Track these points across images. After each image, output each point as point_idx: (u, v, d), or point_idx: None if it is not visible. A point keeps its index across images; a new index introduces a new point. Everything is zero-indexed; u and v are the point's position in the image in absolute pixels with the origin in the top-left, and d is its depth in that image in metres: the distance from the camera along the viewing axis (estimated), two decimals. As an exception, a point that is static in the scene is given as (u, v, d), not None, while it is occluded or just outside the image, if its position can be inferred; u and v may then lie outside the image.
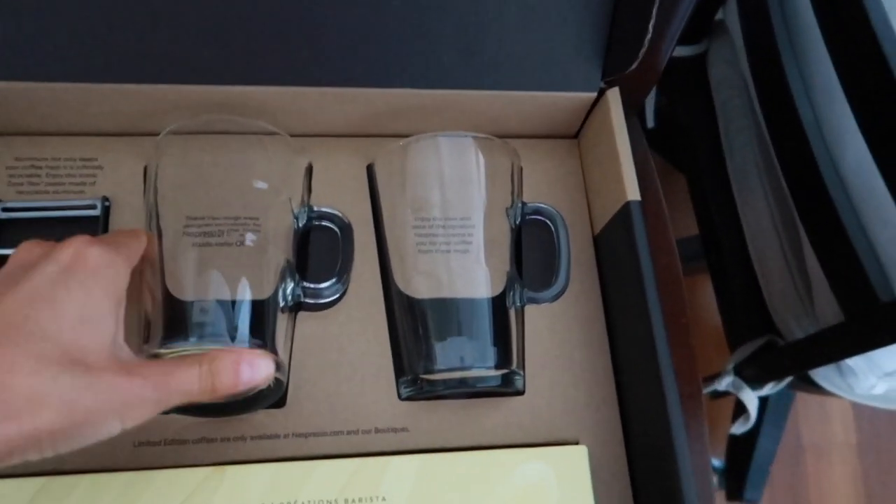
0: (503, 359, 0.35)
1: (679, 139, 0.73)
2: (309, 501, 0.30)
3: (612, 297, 0.38)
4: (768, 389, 0.62)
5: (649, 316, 0.32)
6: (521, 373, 0.36)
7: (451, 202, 0.37)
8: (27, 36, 0.33)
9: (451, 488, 0.32)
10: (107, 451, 0.32)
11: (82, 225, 0.36)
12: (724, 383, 0.64)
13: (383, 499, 0.31)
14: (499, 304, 0.36)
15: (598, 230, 0.39)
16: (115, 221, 0.37)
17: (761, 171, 0.60)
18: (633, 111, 0.39)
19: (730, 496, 0.88)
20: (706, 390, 0.66)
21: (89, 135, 0.38)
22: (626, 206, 0.35)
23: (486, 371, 0.35)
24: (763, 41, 0.53)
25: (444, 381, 0.35)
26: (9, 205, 0.36)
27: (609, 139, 0.37)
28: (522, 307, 0.37)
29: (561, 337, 0.37)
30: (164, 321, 0.32)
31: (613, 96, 0.37)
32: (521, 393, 0.36)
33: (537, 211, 0.39)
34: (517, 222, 0.38)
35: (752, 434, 0.84)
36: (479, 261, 0.36)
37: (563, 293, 0.38)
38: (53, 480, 0.30)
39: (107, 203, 0.37)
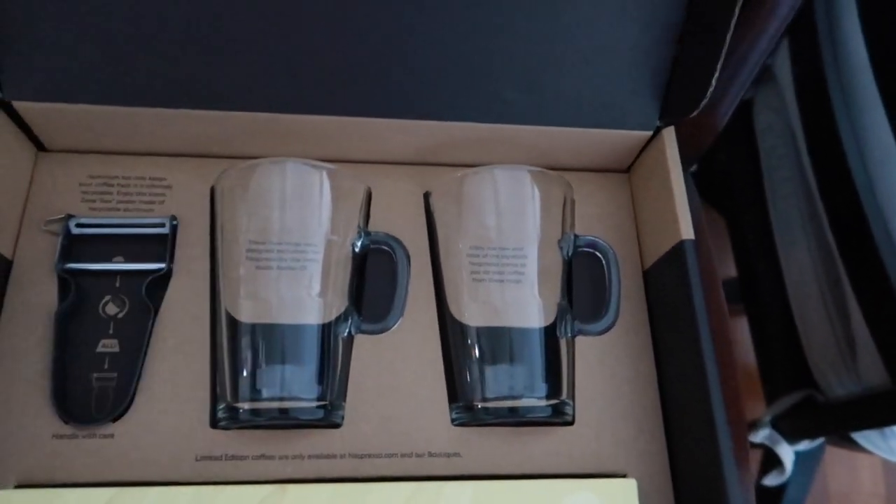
0: (553, 389, 0.36)
1: (721, 183, 0.73)
2: (367, 523, 0.31)
3: (662, 334, 0.38)
4: (805, 445, 0.62)
5: (702, 358, 0.33)
6: (571, 403, 0.36)
7: (505, 233, 0.38)
8: (106, 63, 0.35)
9: (504, 515, 0.32)
10: (170, 463, 0.33)
11: (151, 242, 0.37)
12: (761, 436, 0.63)
13: (438, 523, 0.32)
14: (550, 335, 0.37)
15: (648, 265, 0.40)
16: (182, 240, 0.38)
17: (805, 223, 0.60)
18: (688, 164, 0.40)
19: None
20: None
21: (159, 155, 0.40)
22: (681, 244, 0.36)
23: (536, 401, 0.35)
24: (815, 96, 0.53)
25: (495, 410, 0.35)
26: (82, 220, 0.37)
27: (663, 177, 0.38)
28: (573, 338, 0.38)
29: (610, 370, 0.38)
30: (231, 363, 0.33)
31: (669, 135, 0.38)
32: (570, 423, 0.36)
33: (590, 244, 0.40)
34: (569, 254, 0.39)
35: (782, 484, 0.83)
36: (531, 291, 0.37)
37: (612, 326, 0.39)
38: (123, 492, 0.31)
39: (174, 222, 0.38)
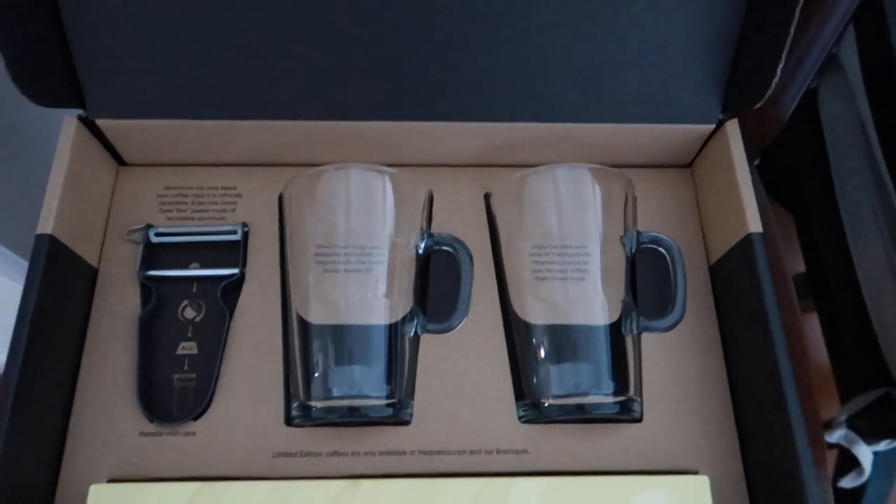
0: (620, 385, 0.36)
1: (786, 177, 0.71)
2: (438, 517, 0.32)
3: (730, 330, 0.38)
4: (884, 445, 0.59)
5: (775, 353, 0.32)
6: (639, 400, 0.36)
7: (567, 231, 0.38)
8: (178, 80, 0.36)
9: (574, 512, 0.32)
10: (248, 459, 0.35)
11: (225, 249, 0.39)
12: (836, 436, 0.61)
13: (509, 519, 0.32)
14: (615, 332, 0.36)
15: (713, 261, 0.40)
16: (254, 246, 0.39)
17: (878, 215, 0.58)
18: (752, 157, 0.39)
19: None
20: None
21: (230, 165, 0.41)
22: (748, 238, 0.35)
23: (603, 398, 0.35)
24: (885, 83, 0.51)
25: (562, 407, 0.35)
26: (160, 230, 0.39)
27: (728, 170, 0.37)
28: (639, 335, 0.38)
29: (677, 366, 0.37)
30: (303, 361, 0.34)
31: (732, 127, 0.38)
32: (638, 420, 0.36)
33: (654, 240, 0.39)
34: (632, 251, 0.39)
35: (860, 486, 0.80)
36: (595, 288, 0.37)
37: (679, 322, 0.38)
38: (207, 486, 0.32)
39: (246, 228, 0.40)
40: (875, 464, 0.79)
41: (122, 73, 0.36)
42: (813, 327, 0.68)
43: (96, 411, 0.35)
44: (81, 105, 0.37)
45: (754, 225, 0.35)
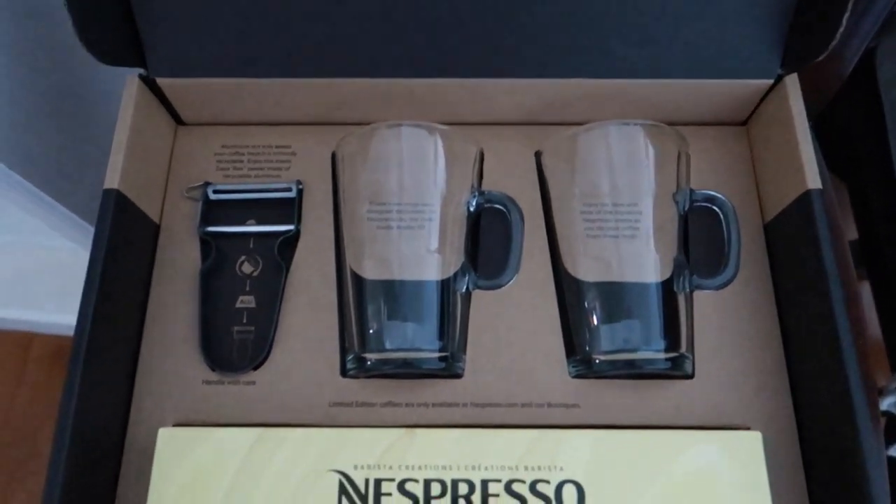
0: (672, 342, 0.36)
1: (840, 144, 0.69)
2: (491, 465, 0.33)
3: (785, 288, 0.37)
4: None
5: (833, 311, 0.32)
6: (691, 357, 0.36)
7: (619, 188, 0.38)
8: (235, 39, 0.37)
9: (625, 464, 0.33)
10: (306, 409, 0.36)
11: (280, 206, 0.40)
12: (887, 403, 0.60)
13: (561, 469, 0.33)
14: (667, 289, 0.36)
15: (768, 219, 0.39)
16: (308, 203, 0.40)
17: None
18: (810, 114, 0.38)
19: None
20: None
21: (284, 124, 0.42)
22: (807, 194, 0.35)
23: (654, 354, 0.35)
24: None
25: (613, 363, 0.36)
26: (218, 187, 0.40)
27: (786, 126, 0.36)
28: (691, 293, 0.38)
29: (730, 325, 0.37)
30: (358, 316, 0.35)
31: (792, 82, 0.37)
32: (689, 377, 0.36)
33: (707, 198, 0.39)
34: (685, 209, 0.38)
35: None
36: (647, 246, 0.37)
37: (732, 281, 0.38)
38: (269, 432, 0.34)
39: (300, 186, 0.40)
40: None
41: (182, 32, 0.37)
42: (865, 298, 0.67)
43: (162, 361, 0.37)
44: (143, 64, 0.37)
45: (813, 181, 0.35)
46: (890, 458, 0.82)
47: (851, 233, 0.68)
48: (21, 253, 0.79)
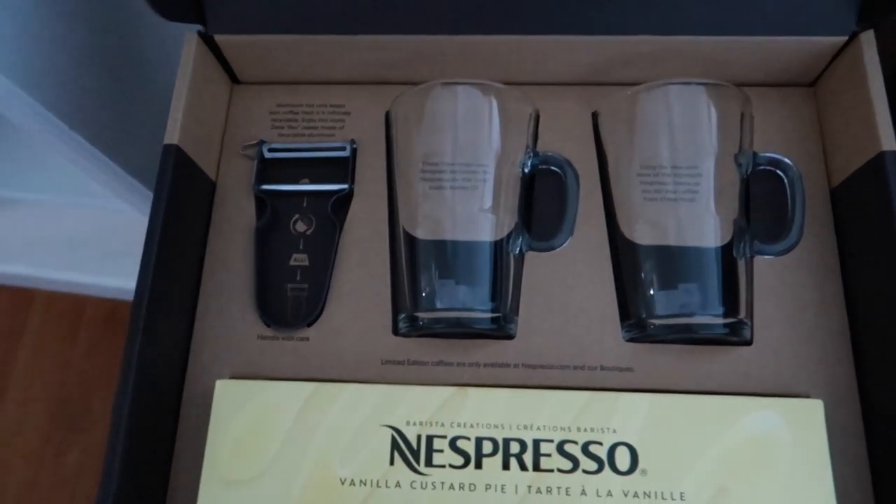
0: (731, 307, 0.35)
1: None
2: (544, 426, 0.33)
3: (853, 254, 0.36)
4: None
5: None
6: (749, 323, 0.35)
7: (679, 151, 0.37)
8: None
9: (681, 428, 0.32)
10: (358, 366, 0.36)
11: (334, 165, 0.40)
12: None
13: (614, 431, 0.32)
14: (727, 254, 0.35)
15: (836, 183, 0.38)
16: (361, 162, 0.40)
17: None
18: (885, 75, 0.36)
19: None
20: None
21: (338, 83, 0.42)
22: (880, 156, 0.33)
23: (712, 318, 0.35)
24: None
25: (669, 327, 0.35)
26: (273, 146, 0.40)
27: (859, 86, 0.35)
28: (751, 258, 0.36)
29: (792, 291, 0.36)
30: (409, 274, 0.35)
31: (867, 39, 0.35)
32: (748, 343, 0.35)
33: (771, 161, 0.38)
34: (747, 172, 0.37)
35: None
36: (707, 209, 0.36)
37: (795, 247, 0.37)
38: (323, 387, 0.34)
39: (354, 146, 0.40)
40: None
41: (238, -11, 0.37)
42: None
43: (218, 316, 0.38)
44: (202, 21, 0.38)
45: (888, 142, 0.33)
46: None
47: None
48: (76, 215, 0.81)
